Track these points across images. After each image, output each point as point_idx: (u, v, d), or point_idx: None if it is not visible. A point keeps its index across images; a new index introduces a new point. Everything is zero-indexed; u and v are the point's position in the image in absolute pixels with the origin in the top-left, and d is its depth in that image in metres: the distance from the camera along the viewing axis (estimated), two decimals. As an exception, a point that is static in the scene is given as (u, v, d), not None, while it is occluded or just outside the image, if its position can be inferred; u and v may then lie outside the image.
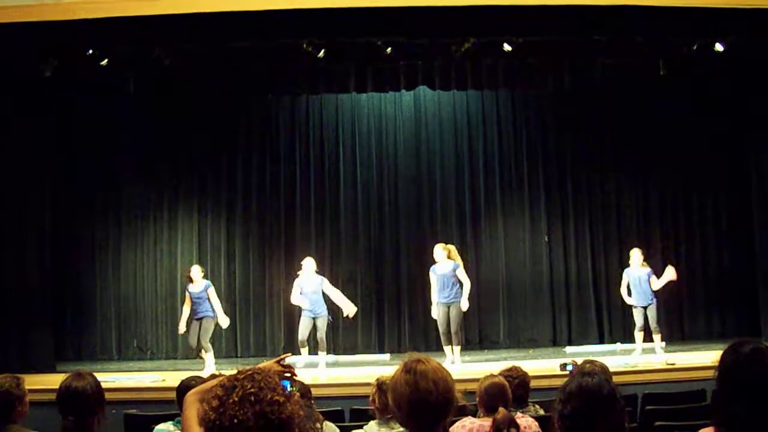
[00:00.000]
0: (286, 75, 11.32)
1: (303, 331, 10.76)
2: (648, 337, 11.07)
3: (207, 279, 11.14)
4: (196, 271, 10.93)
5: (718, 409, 2.77)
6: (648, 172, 13.26)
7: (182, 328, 11.00)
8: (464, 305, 10.75)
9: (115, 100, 11.89)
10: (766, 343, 2.89)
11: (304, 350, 10.77)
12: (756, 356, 2.75)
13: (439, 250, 10.87)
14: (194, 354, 11.11)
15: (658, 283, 10.99)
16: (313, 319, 10.71)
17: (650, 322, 10.94)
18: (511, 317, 13.06)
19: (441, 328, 10.83)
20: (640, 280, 10.99)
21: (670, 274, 11.01)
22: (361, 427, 5.18)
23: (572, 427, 2.69)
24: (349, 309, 10.97)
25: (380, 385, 5.09)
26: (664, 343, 11.08)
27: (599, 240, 13.00)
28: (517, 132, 13.40)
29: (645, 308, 10.98)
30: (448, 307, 10.76)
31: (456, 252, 10.99)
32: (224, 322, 10.92)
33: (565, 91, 12.12)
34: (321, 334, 10.72)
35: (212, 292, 10.83)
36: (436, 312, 10.85)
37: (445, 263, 10.80)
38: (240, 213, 13.18)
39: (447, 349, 10.78)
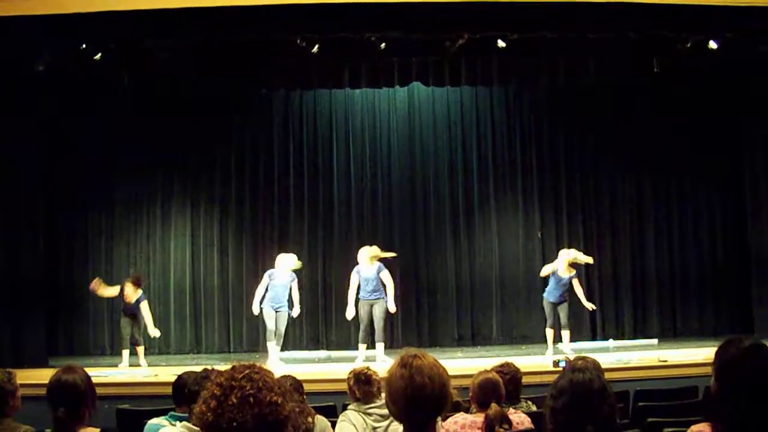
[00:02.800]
0: (280, 70, 11.32)
1: (269, 322, 10.85)
2: (557, 336, 11.15)
3: (141, 291, 10.81)
4: (129, 289, 10.72)
5: (715, 406, 2.77)
6: (642, 169, 13.31)
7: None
8: (392, 307, 10.85)
9: (108, 94, 11.83)
10: (760, 339, 2.89)
11: (277, 341, 10.88)
12: (754, 353, 2.75)
13: (365, 254, 10.94)
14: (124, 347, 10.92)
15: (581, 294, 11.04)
16: (276, 311, 10.82)
17: (562, 319, 10.99)
18: (505, 313, 13.08)
19: (362, 325, 10.93)
20: (561, 280, 11.00)
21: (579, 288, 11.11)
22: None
23: (563, 422, 2.69)
24: (295, 310, 11.10)
25: (357, 375, 5.30)
26: (571, 344, 11.08)
27: (592, 236, 13.02)
28: (510, 128, 13.42)
29: (557, 305, 11.04)
30: (372, 305, 10.88)
31: (378, 254, 11.02)
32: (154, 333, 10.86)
33: (559, 87, 12.17)
34: (281, 329, 10.86)
35: (144, 307, 10.74)
36: (353, 311, 10.91)
37: (370, 266, 10.87)
38: (233, 208, 13.16)
39: (362, 347, 10.86)
